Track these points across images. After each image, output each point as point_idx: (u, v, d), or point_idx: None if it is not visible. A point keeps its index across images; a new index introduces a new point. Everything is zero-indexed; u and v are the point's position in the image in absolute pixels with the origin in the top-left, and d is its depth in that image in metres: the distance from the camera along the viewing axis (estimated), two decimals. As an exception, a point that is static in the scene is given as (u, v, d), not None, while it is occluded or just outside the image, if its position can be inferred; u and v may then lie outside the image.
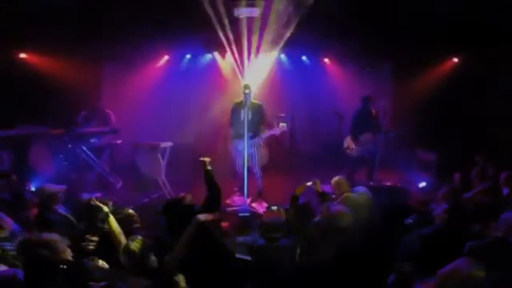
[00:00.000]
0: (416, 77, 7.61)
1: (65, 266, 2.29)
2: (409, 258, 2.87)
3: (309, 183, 4.00)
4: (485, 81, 6.98)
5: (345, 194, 3.84)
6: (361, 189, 4.07)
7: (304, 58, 7.95)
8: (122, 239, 2.96)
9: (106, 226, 3.19)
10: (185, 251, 2.90)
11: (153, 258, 2.69)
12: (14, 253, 2.65)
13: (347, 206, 3.61)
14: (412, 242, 3.19)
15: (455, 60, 7.61)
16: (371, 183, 6.10)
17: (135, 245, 2.65)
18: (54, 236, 2.38)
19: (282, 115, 6.67)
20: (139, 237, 2.75)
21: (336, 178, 4.11)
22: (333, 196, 3.99)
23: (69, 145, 6.06)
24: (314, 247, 3.24)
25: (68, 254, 2.39)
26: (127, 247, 2.66)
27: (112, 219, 3.08)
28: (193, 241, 2.94)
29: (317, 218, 3.48)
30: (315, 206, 4.23)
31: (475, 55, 6.98)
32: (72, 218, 3.59)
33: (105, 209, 3.15)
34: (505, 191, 4.29)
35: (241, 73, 7.16)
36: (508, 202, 3.91)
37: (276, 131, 5.70)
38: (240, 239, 4.33)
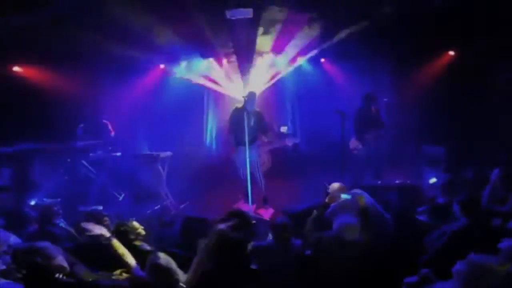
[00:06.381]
0: (414, 72, 7.55)
1: (61, 275, 2.25)
2: (437, 254, 2.75)
3: (347, 196, 3.62)
4: (480, 73, 6.94)
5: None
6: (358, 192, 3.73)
7: (301, 59, 7.86)
8: (130, 260, 2.80)
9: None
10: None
11: (179, 272, 2.60)
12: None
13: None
14: (439, 238, 3.05)
15: (451, 53, 7.57)
16: (379, 182, 5.96)
17: (163, 260, 2.55)
18: (45, 244, 2.36)
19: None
20: (162, 254, 2.65)
21: (336, 185, 3.92)
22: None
23: (68, 160, 5.97)
24: (326, 261, 3.15)
25: (61, 261, 2.34)
26: (155, 264, 2.55)
27: (115, 242, 2.86)
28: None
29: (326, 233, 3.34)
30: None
31: (470, 47, 6.93)
32: (73, 231, 3.48)
33: (106, 234, 2.90)
34: None
35: (239, 78, 7.06)
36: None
37: (289, 142, 5.74)
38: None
